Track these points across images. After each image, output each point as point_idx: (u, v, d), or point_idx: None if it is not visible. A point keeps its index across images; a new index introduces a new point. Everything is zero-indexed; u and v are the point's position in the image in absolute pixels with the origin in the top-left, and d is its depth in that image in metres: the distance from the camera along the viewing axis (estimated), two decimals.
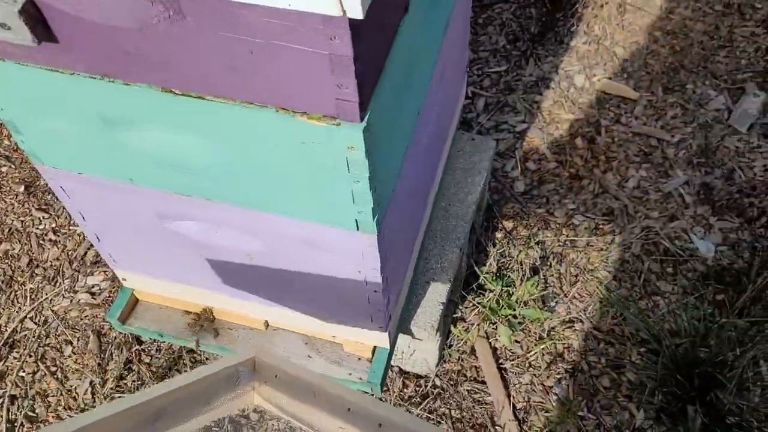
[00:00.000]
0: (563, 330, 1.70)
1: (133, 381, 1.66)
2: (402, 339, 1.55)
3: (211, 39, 0.75)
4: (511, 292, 1.71)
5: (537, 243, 1.84)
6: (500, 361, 1.67)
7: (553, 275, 1.78)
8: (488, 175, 1.75)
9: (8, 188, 2.01)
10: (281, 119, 0.83)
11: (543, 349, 1.67)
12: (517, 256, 1.79)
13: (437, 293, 1.49)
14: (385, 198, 1.00)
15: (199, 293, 1.37)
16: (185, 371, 1.65)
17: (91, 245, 1.87)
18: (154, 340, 1.70)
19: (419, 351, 1.63)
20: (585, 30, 2.31)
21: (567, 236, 1.86)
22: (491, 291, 1.70)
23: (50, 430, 0.72)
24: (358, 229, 1.00)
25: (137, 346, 1.71)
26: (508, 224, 1.88)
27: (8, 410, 1.63)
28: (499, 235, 1.86)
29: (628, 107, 2.12)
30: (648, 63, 2.21)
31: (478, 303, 1.69)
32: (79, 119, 0.95)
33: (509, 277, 1.74)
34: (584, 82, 2.19)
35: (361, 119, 0.81)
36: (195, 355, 1.67)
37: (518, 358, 1.67)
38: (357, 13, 0.63)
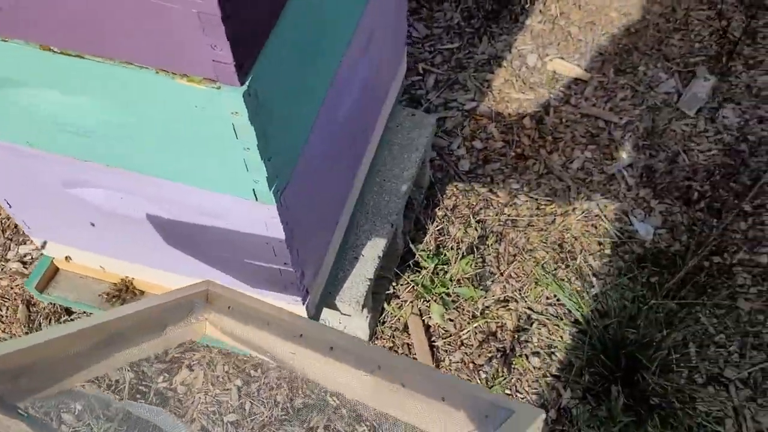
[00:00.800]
0: (497, 309, 1.69)
1: None
2: (332, 315, 1.54)
3: None
4: (446, 270, 1.70)
5: (477, 222, 1.83)
6: (432, 338, 1.66)
7: (491, 254, 1.78)
8: (427, 151, 1.73)
9: None
10: (162, 81, 0.81)
11: (476, 327, 1.66)
12: (455, 234, 1.78)
13: (364, 269, 1.48)
14: (285, 168, 0.98)
15: (116, 263, 1.34)
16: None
17: None
18: (84, 311, 1.68)
19: (350, 327, 1.62)
20: (541, 9, 2.29)
21: (509, 216, 1.85)
22: (426, 269, 1.69)
23: (3, 347, 0.72)
24: (257, 199, 0.98)
25: (66, 317, 1.68)
26: (450, 202, 1.87)
27: None
28: (439, 213, 1.85)
29: (579, 88, 2.10)
30: (602, 44, 2.20)
31: (412, 281, 1.68)
32: None
33: (445, 255, 1.73)
34: (536, 61, 2.16)
35: (241, 83, 0.78)
36: None
37: (450, 336, 1.66)
38: None
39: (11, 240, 1.81)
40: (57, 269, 1.43)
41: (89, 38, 0.79)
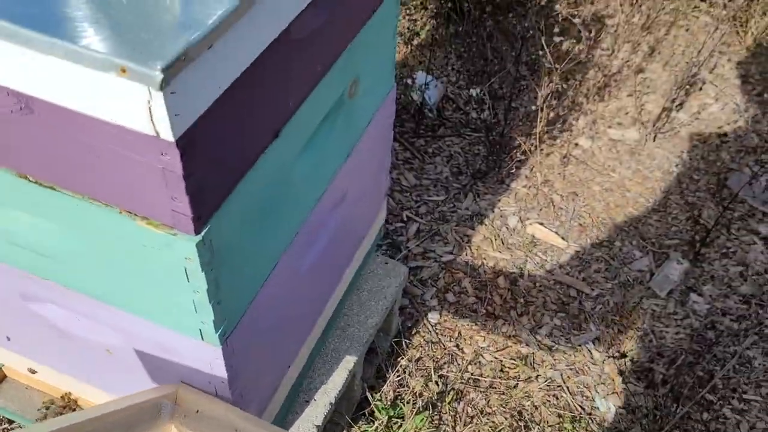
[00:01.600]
0: None
1: None
2: None
3: (57, 136, 0.78)
4: (400, 425, 1.67)
5: (439, 377, 1.81)
6: None
7: (448, 413, 1.75)
8: (396, 301, 1.75)
9: None
10: (123, 221, 0.85)
11: None
12: (414, 386, 1.77)
13: (314, 414, 1.45)
14: (234, 313, 1.00)
15: (63, 379, 1.33)
16: None
17: None
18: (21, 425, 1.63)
19: None
20: (527, 174, 2.40)
21: (472, 374, 1.84)
22: (379, 420, 1.66)
23: None
24: (203, 339, 0.99)
25: (6, 425, 1.64)
26: (415, 353, 1.87)
27: None
28: (403, 362, 1.84)
29: (555, 254, 2.16)
30: (581, 215, 2.28)
31: (364, 431, 1.65)
32: None
33: (401, 408, 1.70)
34: (517, 223, 2.24)
35: (197, 233, 0.83)
36: None
37: None
38: (168, 136, 0.66)
39: None
40: (5, 376, 1.41)
41: (63, 174, 0.84)
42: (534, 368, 1.86)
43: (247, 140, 0.88)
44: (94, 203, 0.85)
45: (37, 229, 0.96)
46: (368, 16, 1.14)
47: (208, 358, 1.03)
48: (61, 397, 1.38)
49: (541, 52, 2.51)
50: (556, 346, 1.92)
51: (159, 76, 0.61)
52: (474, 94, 2.63)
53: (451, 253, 2.14)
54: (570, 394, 1.81)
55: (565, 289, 2.06)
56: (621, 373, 1.86)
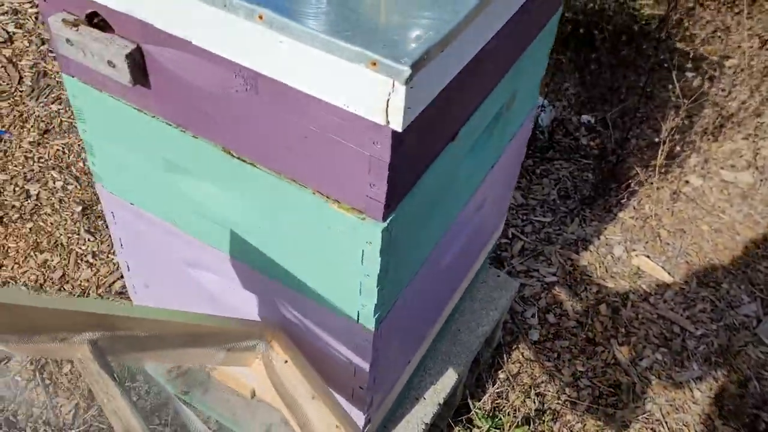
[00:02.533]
0: None
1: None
2: None
3: (275, 117, 0.86)
4: None
5: (537, 394, 1.83)
6: None
7: (544, 431, 1.76)
8: (505, 313, 1.78)
9: (68, 205, 2.15)
10: (316, 202, 0.92)
11: None
12: (514, 401, 1.79)
13: (423, 413, 1.50)
14: (390, 299, 1.06)
15: None
16: (166, 419, 1.68)
17: (121, 276, 1.97)
18: (146, 382, 1.74)
19: None
20: (635, 206, 2.39)
21: (569, 396, 1.85)
22: (479, 428, 1.69)
23: (114, 308, 0.83)
24: (358, 321, 1.06)
25: (128, 383, 1.75)
26: (514, 368, 1.89)
27: None
28: (501, 375, 1.87)
29: (660, 289, 2.14)
30: (688, 252, 2.26)
31: None
32: (146, 156, 1.07)
33: (500, 419, 1.73)
34: (622, 253, 2.24)
35: (384, 219, 0.89)
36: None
37: None
38: (397, 126, 0.73)
39: (102, 297, 1.93)
40: None
41: (267, 152, 0.92)
42: (633, 399, 1.86)
43: (436, 137, 0.94)
44: (291, 183, 0.93)
45: (224, 201, 1.04)
46: (539, 29, 1.19)
47: (358, 339, 1.09)
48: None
49: (671, 86, 2.51)
50: (657, 380, 1.91)
51: (407, 71, 0.67)
52: (586, 121, 2.64)
53: (554, 274, 2.15)
54: (669, 430, 1.79)
55: (668, 324, 2.05)
56: (722, 416, 1.83)
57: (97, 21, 0.93)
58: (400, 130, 0.73)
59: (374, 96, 0.72)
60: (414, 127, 0.80)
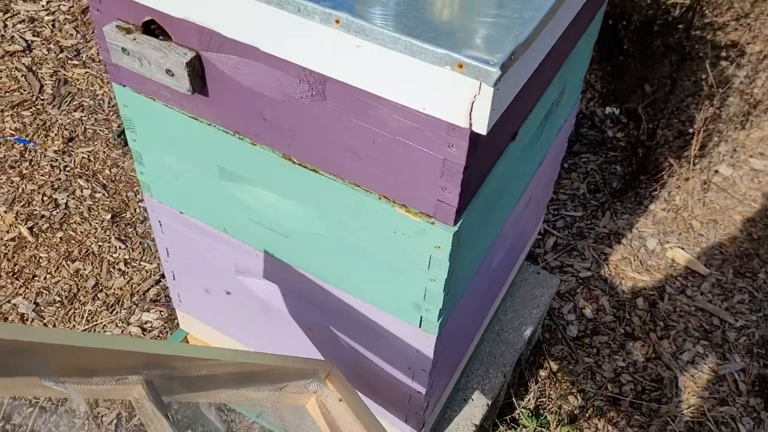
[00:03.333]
0: None
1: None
2: None
3: (342, 122, 0.84)
4: None
5: (579, 391, 1.81)
6: None
7: (590, 428, 1.75)
8: (546, 311, 1.76)
9: (97, 213, 2.14)
10: (382, 207, 0.90)
11: None
12: (557, 398, 1.77)
13: (472, 414, 1.48)
14: (452, 303, 1.05)
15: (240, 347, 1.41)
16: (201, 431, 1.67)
17: (156, 283, 1.96)
18: (201, 423, 1.73)
19: None
20: (666, 197, 2.37)
21: (611, 392, 1.83)
22: (525, 427, 1.67)
23: (170, 348, 0.82)
24: (420, 326, 1.04)
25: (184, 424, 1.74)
26: (554, 365, 1.87)
27: None
28: (542, 373, 1.85)
29: (696, 281, 2.12)
30: (723, 243, 2.23)
31: None
32: (199, 165, 1.05)
33: (545, 417, 1.71)
34: (656, 246, 2.21)
35: (455, 223, 0.87)
36: (222, 413, 1.69)
37: None
38: (482, 128, 0.71)
39: (137, 305, 1.92)
40: (188, 343, 1.51)
41: (331, 158, 0.90)
42: (676, 393, 1.84)
43: (501, 138, 0.92)
44: (355, 188, 0.91)
45: (281, 208, 1.02)
46: (588, 23, 1.17)
47: (420, 344, 1.07)
48: None
49: (699, 76, 2.48)
50: (699, 373, 1.89)
51: (497, 73, 0.65)
52: (611, 113, 2.61)
53: (589, 269, 2.13)
54: (714, 423, 1.77)
55: (707, 316, 2.02)
56: (767, 407, 1.81)
57: (154, 28, 0.91)
58: (485, 132, 0.71)
59: (458, 99, 0.70)
60: (492, 128, 0.78)
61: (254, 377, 0.99)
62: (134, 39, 0.90)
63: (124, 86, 1.02)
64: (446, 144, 0.78)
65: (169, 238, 1.27)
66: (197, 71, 0.90)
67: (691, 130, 2.34)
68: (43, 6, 2.84)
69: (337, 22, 0.71)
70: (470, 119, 0.71)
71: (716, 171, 2.47)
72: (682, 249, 2.20)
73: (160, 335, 1.85)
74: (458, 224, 0.88)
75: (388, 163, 0.85)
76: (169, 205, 1.19)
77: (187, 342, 1.51)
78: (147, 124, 1.06)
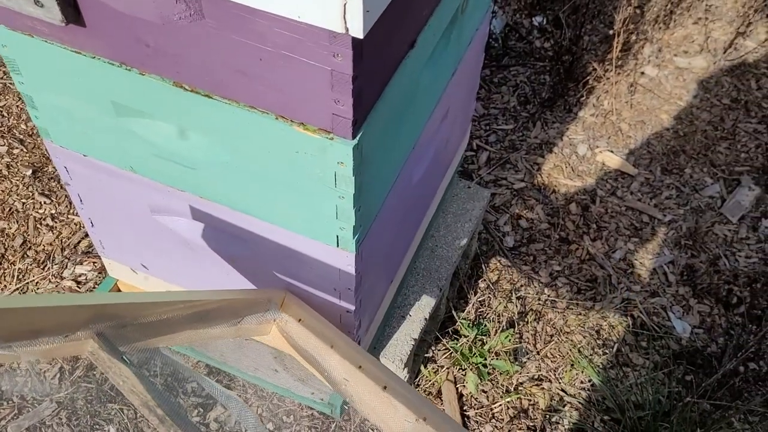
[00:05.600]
0: (531, 387, 1.71)
1: (101, 374, 1.68)
2: None
3: (225, 41, 0.81)
4: (484, 342, 1.73)
5: (518, 298, 1.87)
6: (464, 408, 1.68)
7: (528, 331, 1.81)
8: (479, 224, 1.79)
9: (16, 170, 2.06)
10: (280, 126, 0.88)
11: (508, 402, 1.68)
12: (496, 307, 1.82)
13: (410, 329, 1.52)
14: (367, 219, 1.04)
15: (172, 288, 1.40)
16: (155, 370, 1.67)
17: (86, 235, 1.91)
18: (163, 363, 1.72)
19: None
20: (594, 103, 2.39)
21: (548, 296, 1.89)
22: (465, 337, 1.72)
23: (118, 298, 0.83)
24: (338, 245, 1.04)
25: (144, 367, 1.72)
26: (493, 276, 1.92)
27: None
28: (482, 285, 1.89)
29: (626, 182, 2.17)
30: (650, 143, 2.28)
31: (451, 347, 1.71)
32: (92, 102, 1.01)
33: (485, 326, 1.76)
34: (586, 151, 2.25)
35: (353, 137, 0.86)
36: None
37: (483, 407, 1.68)
38: (358, 32, 0.69)
39: (68, 259, 1.88)
40: (118, 290, 1.49)
41: (221, 81, 0.87)
42: (610, 290, 1.91)
43: (396, 46, 0.90)
44: (251, 110, 0.89)
45: (182, 140, 0.99)
46: None
47: (340, 264, 1.07)
48: None
49: None
50: (631, 269, 1.96)
51: None
52: (537, 23, 2.60)
53: (523, 180, 2.16)
54: (646, 314, 1.85)
55: (637, 214, 2.08)
56: (696, 295, 1.90)
57: None
58: (361, 36, 0.69)
59: (330, 2, 0.67)
60: (374, 35, 0.76)
61: (208, 316, 0.98)
62: None
63: None
64: (331, 54, 0.76)
65: (78, 183, 1.22)
66: None
67: (613, 33, 2.35)
68: None
69: None
70: (345, 23, 0.68)
71: (642, 73, 2.50)
72: (612, 152, 2.24)
73: (95, 286, 1.82)
74: (358, 137, 0.86)
75: (278, 80, 0.83)
76: (71, 148, 1.14)
77: (118, 289, 1.49)
78: (30, 64, 1.00)
